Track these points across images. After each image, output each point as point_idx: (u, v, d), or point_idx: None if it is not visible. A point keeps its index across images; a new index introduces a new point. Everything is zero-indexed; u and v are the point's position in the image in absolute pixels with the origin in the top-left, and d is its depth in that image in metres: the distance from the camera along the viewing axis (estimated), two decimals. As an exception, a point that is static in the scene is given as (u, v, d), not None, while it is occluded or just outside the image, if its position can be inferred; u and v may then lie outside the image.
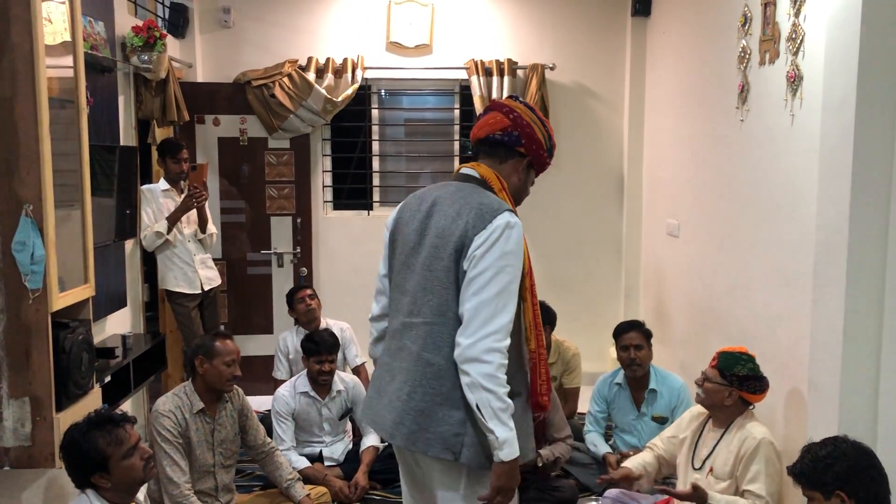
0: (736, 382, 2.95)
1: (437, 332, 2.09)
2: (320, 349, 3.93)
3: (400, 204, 2.35)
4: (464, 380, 2.00)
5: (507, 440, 1.99)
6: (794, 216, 3.26)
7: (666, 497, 3.26)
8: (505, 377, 1.99)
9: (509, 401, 2.00)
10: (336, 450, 4.07)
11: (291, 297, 4.61)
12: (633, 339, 3.81)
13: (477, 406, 1.98)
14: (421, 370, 2.10)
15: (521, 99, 2.30)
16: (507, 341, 2.01)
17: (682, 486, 3.13)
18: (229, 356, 3.24)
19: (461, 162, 5.82)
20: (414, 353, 2.12)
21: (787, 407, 3.33)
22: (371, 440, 4.05)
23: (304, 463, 3.84)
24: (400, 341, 2.18)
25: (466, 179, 2.23)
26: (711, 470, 2.99)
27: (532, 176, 2.31)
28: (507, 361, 2.00)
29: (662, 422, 3.80)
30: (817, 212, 2.81)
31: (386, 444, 4.15)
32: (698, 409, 3.19)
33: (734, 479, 2.91)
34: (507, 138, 2.21)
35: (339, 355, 4.57)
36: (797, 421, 3.21)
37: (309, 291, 4.60)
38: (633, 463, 3.25)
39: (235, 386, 3.43)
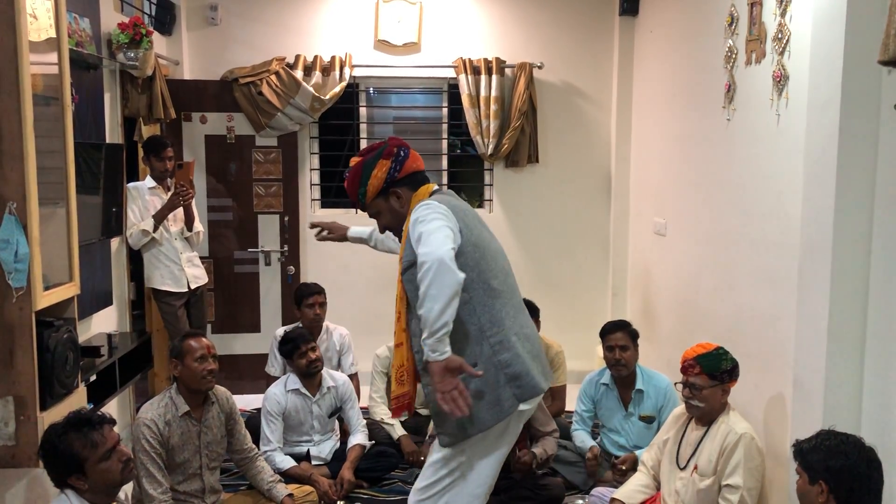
0: (726, 377, 3.00)
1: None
2: (298, 343, 3.94)
3: (446, 201, 2.55)
4: None
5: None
6: (780, 215, 3.28)
7: (653, 495, 3.28)
8: None
9: None
10: (324, 448, 4.06)
11: (300, 298, 4.48)
12: (618, 339, 3.81)
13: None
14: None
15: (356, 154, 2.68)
16: None
17: (666, 486, 3.14)
18: (199, 352, 3.20)
19: (449, 161, 5.84)
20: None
21: (771, 405, 3.35)
22: (358, 438, 4.04)
23: (289, 463, 3.83)
24: (524, 314, 2.58)
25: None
26: (696, 468, 3.00)
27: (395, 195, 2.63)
28: None
29: (650, 421, 3.81)
30: (802, 211, 2.83)
31: (373, 442, 4.15)
32: (680, 410, 3.20)
33: (717, 475, 2.93)
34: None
35: (335, 360, 4.56)
36: (780, 418, 3.23)
37: (321, 299, 4.45)
38: (621, 492, 3.24)
39: (224, 390, 3.42)
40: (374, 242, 3.16)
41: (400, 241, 2.58)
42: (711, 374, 2.97)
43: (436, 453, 2.50)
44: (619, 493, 3.26)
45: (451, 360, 2.24)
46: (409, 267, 2.42)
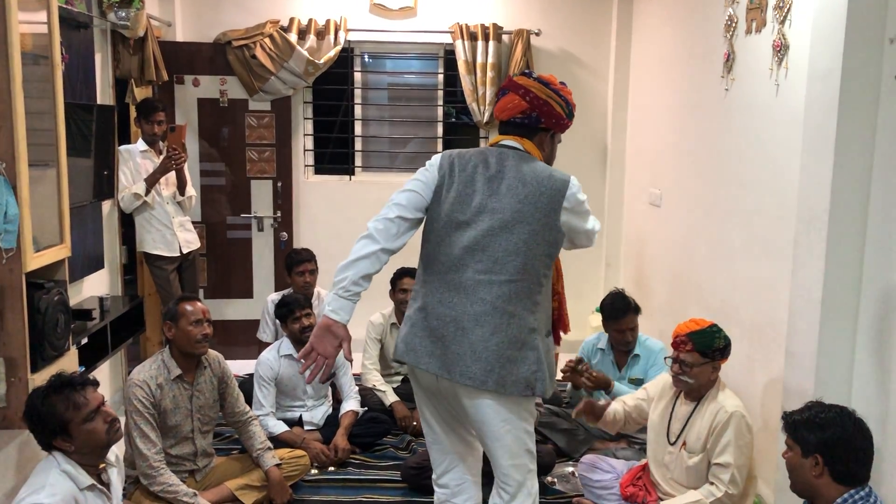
0: (718, 356, 2.95)
1: (519, 289, 2.34)
2: (293, 307, 3.94)
3: (442, 159, 2.50)
4: None
5: None
6: (776, 186, 3.26)
7: (640, 463, 3.30)
8: None
9: None
10: (316, 414, 4.08)
11: (291, 265, 4.52)
12: (628, 322, 3.81)
13: None
14: (506, 322, 2.33)
15: (534, 74, 2.47)
16: None
17: (654, 460, 3.15)
18: (195, 316, 3.20)
19: (444, 128, 5.79)
20: (498, 308, 2.32)
21: (764, 375, 3.37)
22: (350, 405, 4.06)
23: (282, 428, 3.84)
24: (473, 295, 2.34)
25: (511, 149, 2.45)
26: (685, 444, 3.00)
27: (558, 140, 2.57)
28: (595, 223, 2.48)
29: (639, 383, 3.84)
30: (799, 181, 2.81)
31: (365, 408, 4.16)
32: (669, 379, 3.19)
33: (706, 453, 2.93)
34: (527, 120, 2.44)
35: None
36: (773, 388, 3.24)
37: (311, 266, 4.50)
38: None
39: (217, 353, 3.42)
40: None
41: None
42: (703, 352, 2.92)
43: None
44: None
45: (332, 323, 2.33)
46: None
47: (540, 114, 2.42)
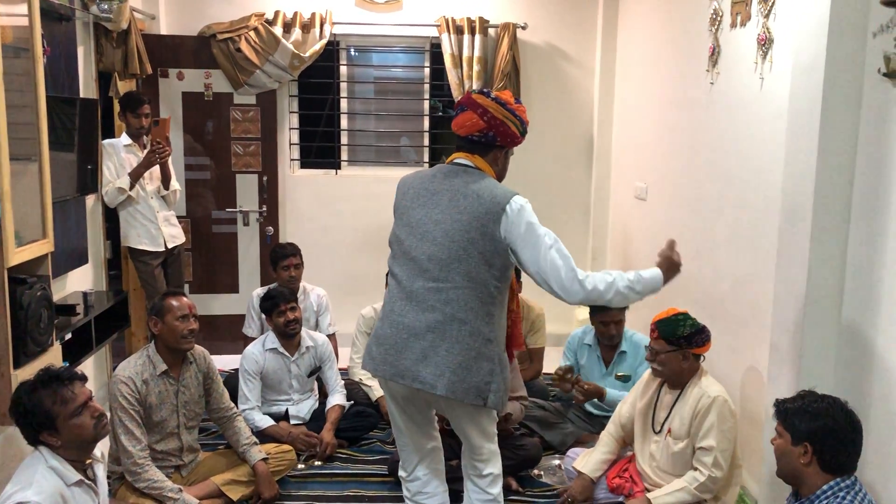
0: (684, 343, 2.96)
1: (467, 296, 2.44)
2: (278, 301, 3.92)
3: (399, 183, 2.70)
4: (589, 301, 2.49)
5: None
6: (761, 179, 3.28)
7: (628, 455, 3.32)
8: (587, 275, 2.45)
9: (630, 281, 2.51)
10: (303, 408, 4.07)
11: (276, 260, 4.49)
12: (615, 315, 3.84)
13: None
14: (456, 328, 2.44)
15: (492, 94, 2.55)
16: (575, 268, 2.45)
17: (641, 449, 3.17)
18: (181, 311, 3.19)
19: (431, 122, 5.78)
20: (447, 314, 2.44)
21: (747, 367, 3.39)
22: (336, 399, 4.05)
23: (267, 422, 3.84)
24: (423, 303, 2.47)
25: (464, 167, 2.59)
26: (670, 431, 3.03)
27: (509, 156, 2.68)
28: (585, 276, 2.45)
29: (626, 380, 3.86)
30: (784, 175, 2.83)
31: (351, 402, 4.16)
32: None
33: (690, 438, 2.96)
34: (483, 139, 2.56)
35: (313, 321, 4.55)
36: (756, 381, 3.27)
37: (296, 261, 4.47)
38: (588, 467, 3.24)
39: (202, 349, 3.40)
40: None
41: None
42: (668, 339, 2.96)
43: None
44: (583, 467, 3.25)
45: None
46: None
47: (496, 133, 2.54)
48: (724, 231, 3.67)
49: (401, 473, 2.83)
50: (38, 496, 2.23)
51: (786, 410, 2.26)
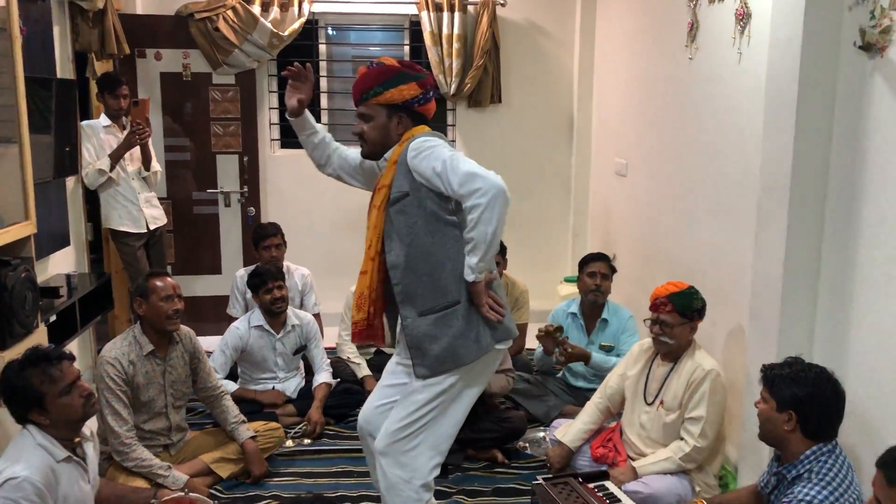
0: (696, 315, 3.09)
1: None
2: (265, 278, 3.94)
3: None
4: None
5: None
6: (740, 153, 3.33)
7: (612, 425, 3.38)
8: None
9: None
10: (289, 386, 4.09)
11: (257, 239, 4.49)
12: (600, 267, 3.99)
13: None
14: None
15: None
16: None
17: (630, 418, 3.24)
18: (165, 291, 3.19)
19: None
20: None
21: (728, 337, 3.45)
22: (323, 377, 4.08)
23: (233, 386, 3.93)
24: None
25: None
26: (662, 402, 3.09)
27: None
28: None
29: (608, 350, 3.95)
30: (762, 148, 2.87)
31: (338, 380, 4.19)
32: (648, 343, 3.28)
33: (682, 409, 3.03)
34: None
35: (298, 300, 4.56)
36: (737, 350, 3.33)
37: (277, 241, 4.46)
38: (568, 437, 3.32)
39: (188, 329, 3.41)
40: (323, 150, 2.86)
41: (382, 169, 2.55)
42: (683, 312, 3.05)
43: (416, 394, 2.48)
44: (563, 437, 3.33)
45: (484, 277, 2.38)
46: (402, 197, 2.42)
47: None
48: (703, 204, 3.72)
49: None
50: (27, 471, 2.25)
51: (773, 377, 2.31)
